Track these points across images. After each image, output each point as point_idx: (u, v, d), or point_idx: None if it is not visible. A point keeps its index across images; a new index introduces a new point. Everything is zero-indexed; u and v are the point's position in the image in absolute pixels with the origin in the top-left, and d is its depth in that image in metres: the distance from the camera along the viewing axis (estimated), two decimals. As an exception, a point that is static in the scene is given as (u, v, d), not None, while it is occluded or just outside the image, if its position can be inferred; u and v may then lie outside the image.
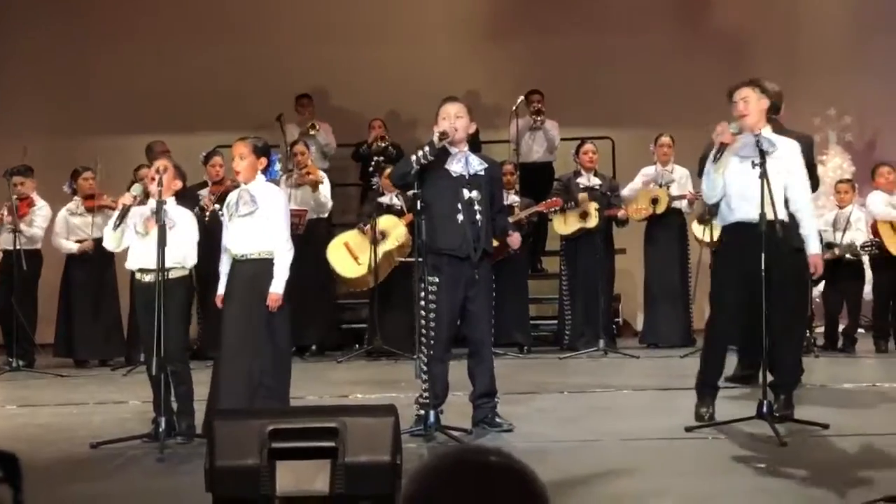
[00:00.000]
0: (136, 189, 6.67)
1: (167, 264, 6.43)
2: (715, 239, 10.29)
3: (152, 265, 6.36)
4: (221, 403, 6.31)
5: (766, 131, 6.63)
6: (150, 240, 6.42)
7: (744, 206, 6.48)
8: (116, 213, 6.70)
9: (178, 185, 6.81)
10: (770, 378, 6.47)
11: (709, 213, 10.19)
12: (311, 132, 12.17)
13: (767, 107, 6.68)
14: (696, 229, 10.67)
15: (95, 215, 10.65)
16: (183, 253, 6.58)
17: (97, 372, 10.41)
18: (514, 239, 6.87)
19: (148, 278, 6.51)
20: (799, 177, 6.60)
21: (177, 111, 12.94)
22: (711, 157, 6.56)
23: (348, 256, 10.41)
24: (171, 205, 6.65)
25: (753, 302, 6.62)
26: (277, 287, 6.50)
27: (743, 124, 6.54)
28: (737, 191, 6.53)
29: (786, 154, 6.57)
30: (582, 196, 10.76)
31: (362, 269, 10.35)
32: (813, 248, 6.59)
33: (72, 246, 10.68)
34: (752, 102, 6.59)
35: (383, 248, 10.37)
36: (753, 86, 6.66)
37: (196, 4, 13.43)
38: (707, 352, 6.89)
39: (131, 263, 6.68)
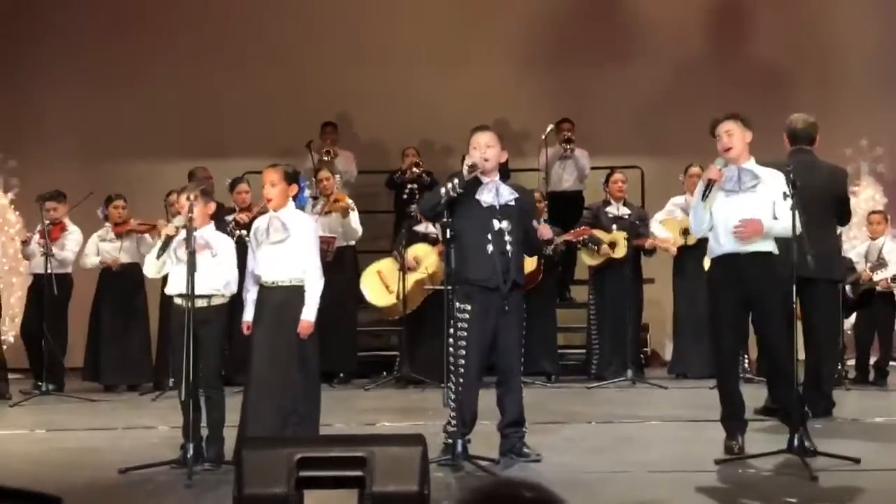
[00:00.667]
0: (179, 220, 6.66)
1: (208, 291, 6.50)
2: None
3: (196, 291, 6.37)
4: (252, 431, 6.32)
5: (751, 164, 6.66)
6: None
7: (729, 240, 6.54)
8: (160, 243, 6.72)
9: (212, 207, 6.84)
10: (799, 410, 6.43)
11: None
12: (326, 158, 12.23)
13: (750, 140, 6.71)
14: (708, 263, 10.61)
15: (124, 240, 10.76)
16: (225, 279, 6.59)
17: (126, 397, 10.44)
18: (544, 230, 6.83)
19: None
20: (782, 205, 6.56)
21: (206, 137, 13.04)
22: (700, 193, 6.62)
23: (380, 284, 10.47)
24: (210, 232, 6.70)
25: (764, 333, 6.65)
26: (309, 315, 6.52)
27: (728, 157, 6.61)
28: (724, 224, 6.58)
29: (771, 184, 6.58)
30: (605, 248, 10.73)
31: (394, 297, 10.39)
32: (764, 221, 6.51)
33: (95, 260, 10.74)
34: (736, 135, 6.66)
35: (415, 276, 10.41)
36: (737, 119, 6.70)
37: (226, 31, 13.52)
38: (720, 386, 6.86)
39: (171, 289, 6.68)
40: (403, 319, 10.51)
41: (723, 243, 6.63)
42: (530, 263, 9.72)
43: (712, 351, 7.02)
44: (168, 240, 6.62)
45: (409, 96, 13.18)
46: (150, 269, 6.84)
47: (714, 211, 6.62)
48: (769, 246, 6.58)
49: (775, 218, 6.51)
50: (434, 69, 13.36)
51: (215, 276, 6.52)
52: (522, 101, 13.22)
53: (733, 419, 6.73)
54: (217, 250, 6.60)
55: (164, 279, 6.94)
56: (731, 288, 6.59)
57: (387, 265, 10.62)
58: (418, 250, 10.45)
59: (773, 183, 6.58)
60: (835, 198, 7.94)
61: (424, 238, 10.62)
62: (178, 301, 6.62)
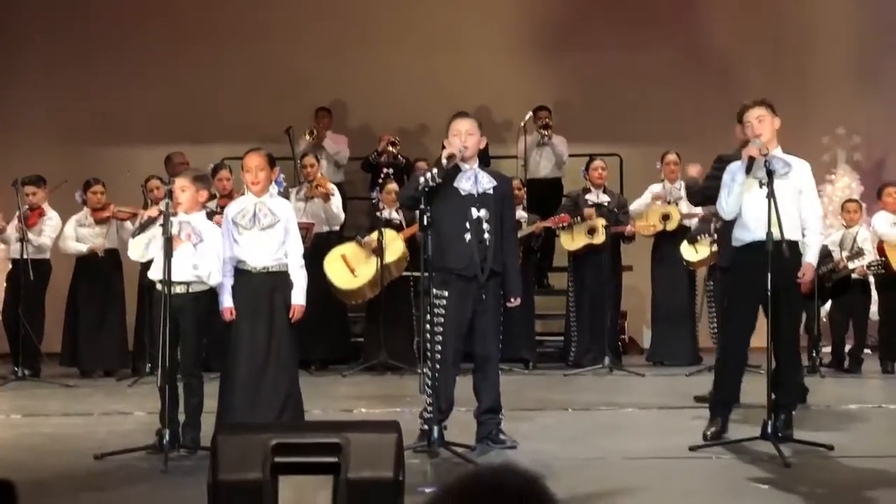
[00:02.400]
0: (164, 205, 6.65)
1: (188, 278, 6.50)
2: (701, 259, 10.36)
3: (175, 278, 6.38)
4: (251, 416, 6.40)
5: (778, 151, 6.65)
6: (175, 253, 6.40)
7: (761, 227, 6.49)
8: (138, 223, 6.71)
9: (205, 195, 6.83)
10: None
11: (700, 233, 10.24)
12: (308, 137, 12.20)
13: (778, 126, 6.71)
14: (686, 250, 10.65)
15: (104, 226, 10.69)
16: (209, 269, 6.58)
17: (102, 382, 10.40)
18: (516, 302, 6.77)
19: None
20: (809, 195, 6.63)
21: (186, 123, 12.99)
22: (741, 170, 6.54)
23: (345, 268, 10.39)
24: (199, 220, 6.69)
25: (777, 319, 6.67)
26: (301, 298, 6.66)
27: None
28: (753, 211, 6.55)
29: (799, 173, 6.61)
30: (588, 211, 10.76)
31: (359, 282, 10.33)
32: (809, 256, 6.62)
33: (81, 247, 10.65)
34: (766, 121, 6.63)
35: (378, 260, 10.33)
36: (765, 105, 6.68)
37: (207, 16, 13.47)
38: (722, 371, 6.89)
39: (154, 274, 6.66)
40: (378, 306, 10.46)
41: (753, 230, 6.56)
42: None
43: (726, 334, 7.02)
44: (150, 220, 6.59)
45: (389, 82, 13.17)
46: (134, 251, 6.79)
47: (745, 198, 6.61)
48: (797, 234, 6.56)
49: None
50: (415, 56, 13.35)
51: (197, 264, 6.52)
52: (503, 88, 13.22)
53: (721, 405, 6.78)
54: (203, 238, 6.58)
55: (146, 265, 6.92)
56: (758, 275, 6.41)
57: (351, 249, 10.51)
58: (383, 235, 10.39)
59: (803, 171, 6.62)
60: None
61: (388, 224, 10.57)
62: (159, 287, 6.62)
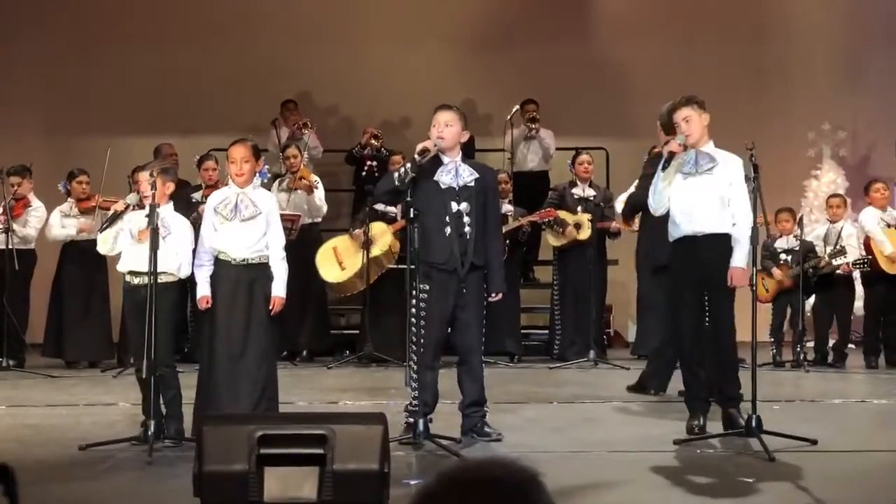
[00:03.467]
0: (132, 198, 6.69)
1: (158, 269, 6.45)
2: None
3: (143, 268, 6.37)
4: (228, 407, 6.36)
5: (709, 147, 6.73)
6: (144, 244, 6.40)
7: (686, 222, 6.60)
8: (106, 218, 6.73)
9: (171, 187, 6.82)
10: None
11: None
12: (305, 130, 12.18)
13: (707, 122, 6.75)
14: None
15: (89, 216, 10.63)
16: (178, 262, 6.58)
17: (87, 373, 10.38)
18: (497, 297, 6.81)
19: (137, 281, 6.52)
20: (738, 191, 6.64)
21: (171, 114, 12.96)
22: (660, 167, 6.66)
23: (334, 261, 10.40)
24: (167, 212, 6.67)
25: (712, 314, 6.74)
26: (282, 290, 6.61)
27: (687, 142, 6.65)
28: (680, 207, 6.67)
29: (727, 168, 6.64)
30: (570, 230, 10.77)
31: (346, 275, 10.34)
32: (736, 259, 6.61)
33: (70, 231, 10.60)
34: (693, 121, 6.69)
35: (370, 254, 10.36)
36: (692, 104, 6.73)
37: (192, 8, 13.44)
38: (683, 367, 6.93)
39: (123, 266, 6.68)
40: (366, 298, 10.50)
41: (679, 225, 6.69)
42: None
43: (674, 331, 7.07)
44: (116, 215, 6.62)
45: (374, 75, 13.16)
46: (102, 245, 6.84)
47: (671, 194, 6.67)
48: (725, 228, 6.62)
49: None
50: (400, 48, 13.34)
51: (169, 256, 6.50)
52: (488, 82, 13.22)
53: (696, 400, 6.80)
54: (170, 230, 6.57)
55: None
56: (690, 270, 6.66)
57: (343, 242, 10.53)
58: (374, 229, 10.41)
59: (730, 166, 6.65)
60: None
61: (383, 217, 10.57)
62: (128, 278, 6.63)
